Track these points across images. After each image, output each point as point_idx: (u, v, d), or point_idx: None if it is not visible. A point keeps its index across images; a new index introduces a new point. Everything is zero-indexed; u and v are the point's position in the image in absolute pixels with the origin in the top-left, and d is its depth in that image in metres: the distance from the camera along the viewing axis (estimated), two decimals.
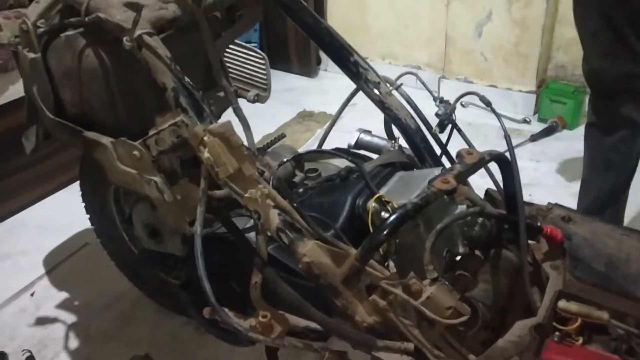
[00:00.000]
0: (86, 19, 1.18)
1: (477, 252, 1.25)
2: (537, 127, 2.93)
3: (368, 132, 1.59)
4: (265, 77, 1.65)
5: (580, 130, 2.88)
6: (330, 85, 3.38)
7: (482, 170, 1.30)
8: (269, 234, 1.06)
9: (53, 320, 1.87)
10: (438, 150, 1.48)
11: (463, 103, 2.96)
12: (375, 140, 1.57)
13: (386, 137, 1.56)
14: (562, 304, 1.07)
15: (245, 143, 1.14)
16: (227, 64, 1.60)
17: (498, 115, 1.39)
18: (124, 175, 1.20)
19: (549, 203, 1.33)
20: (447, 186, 1.05)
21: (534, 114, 3.05)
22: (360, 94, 1.49)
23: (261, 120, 2.70)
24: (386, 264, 1.11)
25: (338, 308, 1.05)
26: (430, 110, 1.49)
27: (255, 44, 3.37)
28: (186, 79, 1.14)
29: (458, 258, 1.21)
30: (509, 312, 1.20)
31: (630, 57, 1.68)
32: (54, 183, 2.43)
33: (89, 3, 1.19)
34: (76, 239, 2.18)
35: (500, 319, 1.19)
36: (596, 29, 1.71)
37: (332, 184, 1.39)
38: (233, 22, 1.46)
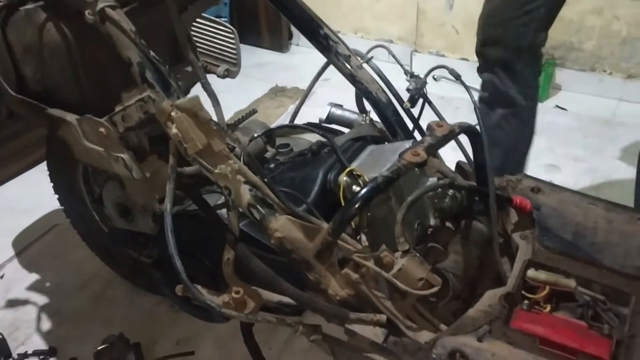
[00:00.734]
0: None
1: (448, 224, 1.27)
2: None
3: (339, 106, 1.58)
4: (235, 51, 1.62)
5: (549, 102, 2.94)
6: (302, 60, 3.35)
7: (454, 144, 1.31)
8: (240, 210, 1.06)
9: (24, 302, 1.84)
10: (410, 125, 1.48)
11: (435, 77, 2.92)
12: (347, 114, 1.57)
13: (357, 111, 1.56)
14: (530, 272, 1.10)
15: (215, 119, 1.12)
16: (196, 39, 1.57)
17: (467, 88, 1.39)
18: (91, 153, 1.18)
19: (518, 174, 1.35)
20: (418, 159, 1.06)
21: None
22: (333, 69, 1.48)
23: (233, 96, 2.66)
24: (358, 237, 1.12)
25: (311, 282, 1.05)
26: (402, 84, 1.48)
27: (226, 19, 3.31)
28: (152, 53, 1.11)
29: (429, 230, 1.22)
30: (479, 282, 1.22)
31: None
32: (21, 163, 2.36)
33: None
34: (46, 219, 2.14)
35: (471, 289, 1.21)
36: None
37: (304, 158, 1.38)
38: None
